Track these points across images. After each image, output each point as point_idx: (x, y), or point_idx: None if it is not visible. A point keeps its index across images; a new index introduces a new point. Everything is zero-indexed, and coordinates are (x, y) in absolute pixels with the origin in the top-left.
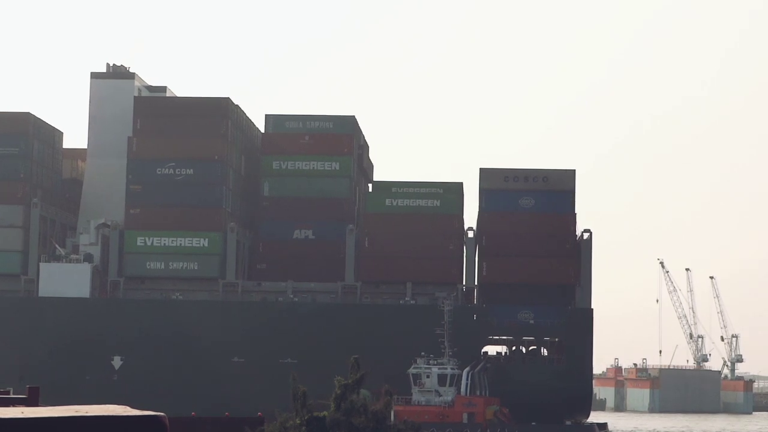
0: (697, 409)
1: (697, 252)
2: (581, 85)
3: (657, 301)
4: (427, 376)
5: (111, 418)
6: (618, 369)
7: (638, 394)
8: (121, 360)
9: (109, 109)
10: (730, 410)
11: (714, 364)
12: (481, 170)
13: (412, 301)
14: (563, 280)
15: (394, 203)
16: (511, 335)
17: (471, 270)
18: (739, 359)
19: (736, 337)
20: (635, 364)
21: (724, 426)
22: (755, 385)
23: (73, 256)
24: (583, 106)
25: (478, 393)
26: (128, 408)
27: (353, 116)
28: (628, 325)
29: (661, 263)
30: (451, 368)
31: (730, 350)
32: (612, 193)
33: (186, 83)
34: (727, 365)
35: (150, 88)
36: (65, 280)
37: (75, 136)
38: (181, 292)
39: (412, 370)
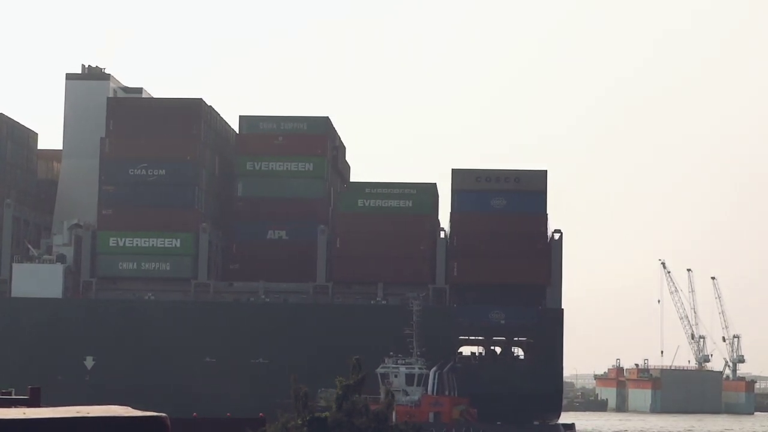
0: (699, 410)
1: (698, 252)
2: (555, 87)
3: (658, 301)
4: (395, 376)
5: (113, 419)
6: (619, 369)
7: (640, 395)
8: (94, 360)
9: (84, 110)
10: (732, 411)
11: (715, 364)
12: (453, 171)
13: (384, 302)
14: (534, 280)
15: (367, 204)
16: (482, 335)
17: (444, 270)
18: (741, 360)
19: (738, 337)
20: (637, 365)
21: (726, 427)
22: (757, 385)
23: (46, 257)
24: (558, 107)
25: (446, 393)
26: (129, 408)
27: (327, 117)
28: (630, 325)
29: (663, 264)
30: (419, 368)
31: (732, 351)
32: (607, 192)
33: (163, 85)
34: (728, 366)
35: (126, 90)
36: (38, 280)
37: (51, 138)
38: (153, 292)
39: (380, 370)
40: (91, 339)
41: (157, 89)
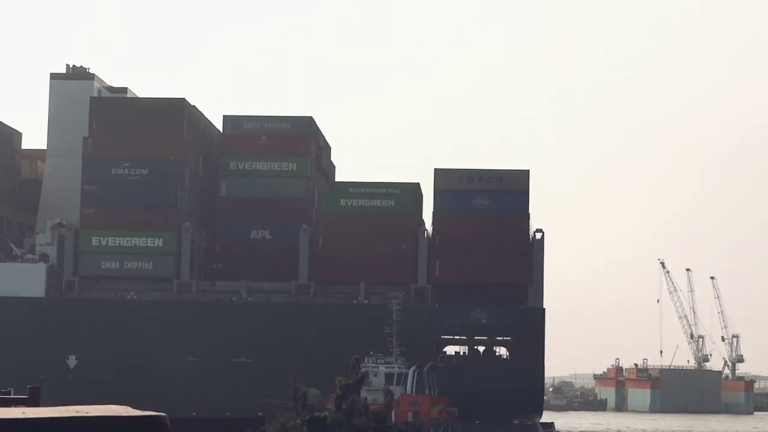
0: (698, 410)
1: (697, 252)
2: (539, 85)
3: (658, 301)
4: (375, 375)
5: (112, 419)
6: (619, 369)
7: (639, 395)
8: (76, 359)
9: (68, 110)
10: (731, 410)
11: (715, 364)
12: (436, 170)
13: (366, 301)
14: (516, 279)
15: (349, 203)
16: (463, 335)
17: (426, 270)
18: (740, 359)
19: (737, 337)
20: (636, 365)
21: (725, 426)
22: (756, 385)
23: (29, 256)
24: (543, 106)
25: (426, 392)
26: (129, 408)
27: (311, 117)
28: (629, 325)
29: (662, 263)
30: (399, 367)
31: (731, 350)
32: (603, 191)
33: (150, 85)
34: (727, 365)
35: (111, 89)
36: (21, 279)
37: (35, 137)
38: (135, 291)
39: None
40: (74, 338)
41: (143, 89)
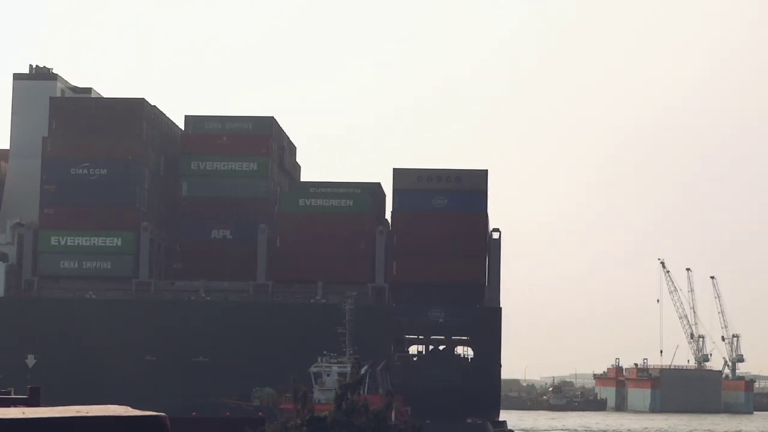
0: (698, 409)
1: (697, 252)
2: (499, 84)
3: (658, 301)
4: (328, 375)
5: (112, 419)
6: (619, 369)
7: (639, 394)
8: (35, 359)
9: (31, 110)
10: (731, 410)
11: (715, 364)
12: (395, 170)
13: (323, 300)
14: (473, 279)
15: (308, 203)
16: (420, 334)
17: (383, 269)
18: (740, 359)
19: (737, 336)
20: (636, 364)
21: (725, 426)
22: (756, 384)
23: None
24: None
25: (380, 391)
26: (129, 408)
27: (272, 117)
28: (629, 325)
29: (662, 263)
30: (351, 367)
31: (731, 350)
32: (599, 191)
33: (115, 85)
34: (728, 365)
35: (75, 89)
36: None
37: None
38: (94, 291)
39: (313, 369)
40: (33, 337)
41: (108, 89)
